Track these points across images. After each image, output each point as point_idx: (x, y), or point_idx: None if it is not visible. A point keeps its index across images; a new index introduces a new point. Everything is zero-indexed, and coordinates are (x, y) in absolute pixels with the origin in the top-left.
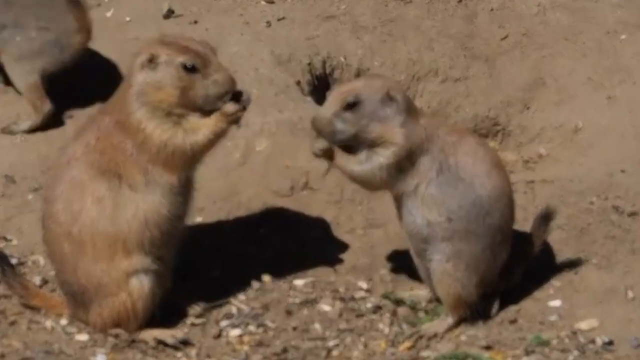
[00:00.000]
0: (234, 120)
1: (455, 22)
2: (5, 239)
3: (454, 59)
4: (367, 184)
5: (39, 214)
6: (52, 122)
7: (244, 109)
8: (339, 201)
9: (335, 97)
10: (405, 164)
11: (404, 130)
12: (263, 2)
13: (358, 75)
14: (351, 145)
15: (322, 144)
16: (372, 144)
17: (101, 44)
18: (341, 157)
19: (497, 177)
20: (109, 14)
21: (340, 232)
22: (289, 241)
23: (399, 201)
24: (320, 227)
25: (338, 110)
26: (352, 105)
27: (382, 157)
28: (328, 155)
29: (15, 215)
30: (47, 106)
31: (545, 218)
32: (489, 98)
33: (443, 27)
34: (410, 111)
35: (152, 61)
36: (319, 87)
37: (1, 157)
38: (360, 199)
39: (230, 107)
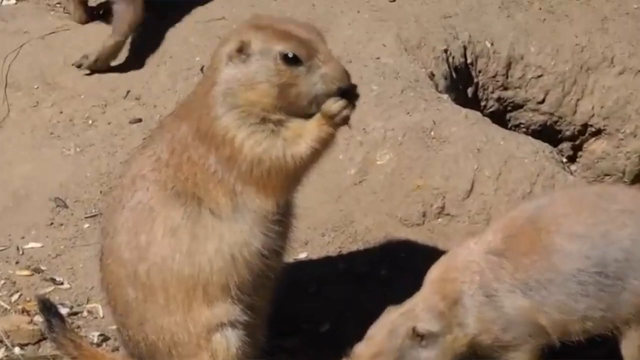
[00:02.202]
0: (342, 121)
1: None
2: (53, 280)
3: (634, 44)
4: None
5: (97, 248)
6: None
7: (353, 105)
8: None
9: None
10: None
11: (470, 320)
12: None
13: (509, 66)
14: None
15: None
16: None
17: None
18: None
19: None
20: None
21: None
22: (419, 284)
23: None
24: None
25: None
26: None
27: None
28: None
29: (66, 251)
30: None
31: None
32: None
33: (620, 2)
34: (441, 307)
35: (242, 51)
36: (458, 81)
37: (50, 173)
38: None
39: (333, 105)
